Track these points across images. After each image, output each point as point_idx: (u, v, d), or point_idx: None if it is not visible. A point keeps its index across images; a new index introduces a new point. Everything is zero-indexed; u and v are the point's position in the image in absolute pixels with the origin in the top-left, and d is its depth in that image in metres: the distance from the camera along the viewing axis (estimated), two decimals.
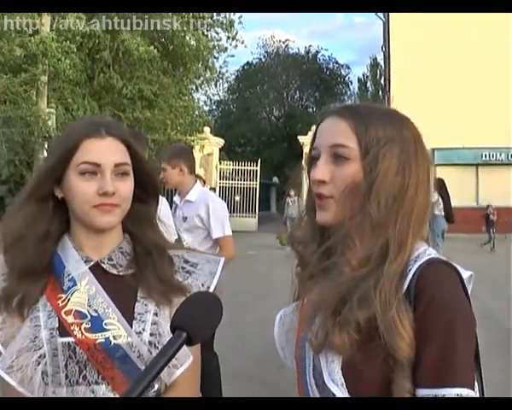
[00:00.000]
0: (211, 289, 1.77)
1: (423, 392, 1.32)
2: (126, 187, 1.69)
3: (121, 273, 1.74)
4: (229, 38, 24.71)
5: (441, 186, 14.41)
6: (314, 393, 1.47)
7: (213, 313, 1.31)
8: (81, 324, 1.65)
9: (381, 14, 32.56)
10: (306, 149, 1.59)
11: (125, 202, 1.69)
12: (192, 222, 5.02)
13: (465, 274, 1.46)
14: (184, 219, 5.08)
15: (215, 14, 23.82)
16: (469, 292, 1.47)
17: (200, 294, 1.55)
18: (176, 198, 5.32)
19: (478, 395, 1.35)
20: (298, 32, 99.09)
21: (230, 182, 29.02)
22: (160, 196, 1.91)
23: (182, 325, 1.24)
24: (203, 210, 4.98)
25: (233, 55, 33.31)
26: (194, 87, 28.29)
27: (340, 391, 1.39)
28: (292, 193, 21.37)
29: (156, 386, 1.71)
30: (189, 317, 1.27)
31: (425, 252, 1.44)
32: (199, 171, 5.21)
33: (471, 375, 1.34)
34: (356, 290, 1.39)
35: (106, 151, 1.66)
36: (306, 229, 1.63)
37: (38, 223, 1.70)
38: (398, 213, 1.43)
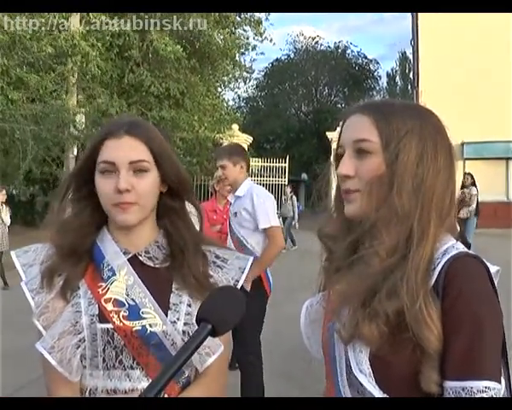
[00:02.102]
0: (239, 284, 1.85)
1: (450, 384, 1.33)
2: (144, 183, 1.75)
3: (157, 266, 1.84)
4: (256, 34, 24.69)
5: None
6: (344, 383, 1.50)
7: (237, 306, 1.35)
8: (119, 312, 1.75)
9: None
10: (335, 145, 1.61)
11: (143, 199, 1.76)
12: (241, 216, 5.19)
13: (492, 269, 1.48)
14: (234, 214, 5.28)
15: None
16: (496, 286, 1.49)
17: (225, 288, 1.60)
18: (230, 197, 5.53)
19: (504, 389, 1.36)
20: (327, 27, 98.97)
21: (259, 179, 28.69)
22: None
23: (207, 317, 1.28)
24: (249, 203, 5.13)
25: (262, 53, 33.34)
26: (222, 85, 28.36)
27: (367, 381, 1.42)
28: (288, 190, 20.79)
29: (186, 373, 1.81)
30: (214, 309, 1.31)
31: (453, 246, 1.46)
32: None
33: (497, 368, 1.36)
34: (384, 283, 1.42)
35: (121, 150, 1.74)
36: (336, 224, 1.66)
37: (83, 214, 1.82)
38: (419, 203, 1.45)
